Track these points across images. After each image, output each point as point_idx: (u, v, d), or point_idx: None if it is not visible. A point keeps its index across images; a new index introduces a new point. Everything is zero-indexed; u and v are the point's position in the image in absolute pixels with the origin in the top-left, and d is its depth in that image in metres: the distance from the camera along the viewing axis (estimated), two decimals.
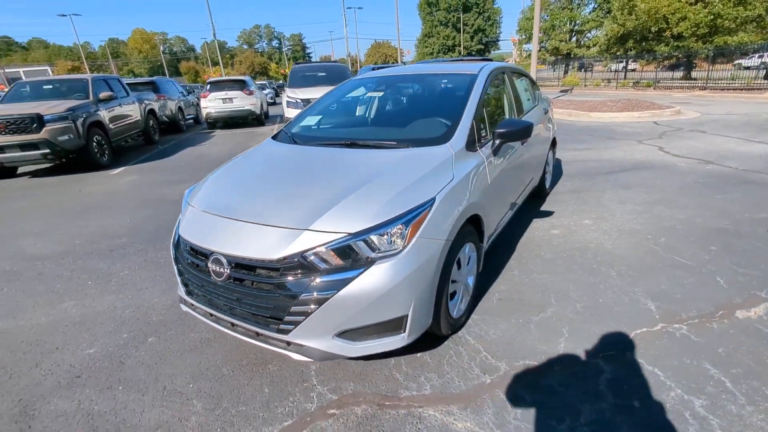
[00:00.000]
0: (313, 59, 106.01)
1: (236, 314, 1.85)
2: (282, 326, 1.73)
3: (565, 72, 28.80)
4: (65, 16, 48.17)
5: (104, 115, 8.62)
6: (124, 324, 2.58)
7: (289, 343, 1.77)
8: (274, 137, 2.87)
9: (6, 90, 9.10)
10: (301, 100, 9.02)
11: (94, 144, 8.07)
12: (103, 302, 2.86)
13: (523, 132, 2.47)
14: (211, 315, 1.96)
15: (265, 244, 1.73)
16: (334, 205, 1.80)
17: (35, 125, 7.20)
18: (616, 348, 2.07)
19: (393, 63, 48.09)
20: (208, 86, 13.84)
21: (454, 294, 2.17)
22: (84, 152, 7.77)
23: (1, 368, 2.23)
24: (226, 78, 14.17)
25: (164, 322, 2.56)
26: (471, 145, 2.35)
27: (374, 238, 1.70)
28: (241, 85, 13.76)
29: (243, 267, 1.77)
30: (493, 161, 2.50)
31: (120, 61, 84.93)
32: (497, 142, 2.50)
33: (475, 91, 2.63)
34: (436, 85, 3.02)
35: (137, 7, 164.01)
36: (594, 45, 28.43)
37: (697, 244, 3.15)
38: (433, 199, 1.86)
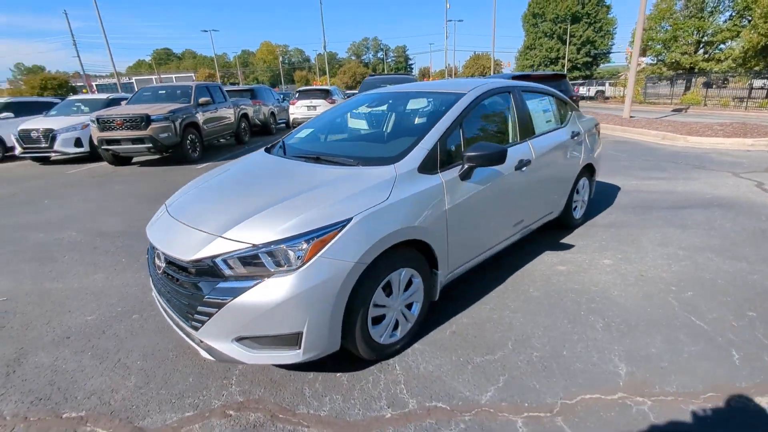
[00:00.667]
0: (413, 71, 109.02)
1: (170, 305, 2.05)
2: (193, 323, 1.87)
3: (687, 88, 25.16)
4: (206, 31, 56.17)
5: (200, 117, 9.94)
6: (124, 299, 2.99)
7: (201, 341, 1.90)
8: (268, 147, 3.07)
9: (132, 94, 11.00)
10: None
11: (188, 142, 9.36)
12: (123, 278, 3.35)
13: (493, 157, 2.30)
14: (160, 303, 2.20)
15: (186, 246, 1.89)
16: (252, 216, 1.89)
17: (144, 123, 8.62)
18: (549, 410, 1.81)
19: (488, 75, 46.85)
20: (297, 94, 15.11)
21: (382, 319, 2.11)
22: (178, 148, 9.06)
23: (26, 320, 2.75)
24: (313, 87, 15.29)
25: (153, 302, 2.90)
26: (428, 167, 2.26)
27: (276, 251, 1.76)
28: (325, 94, 14.75)
29: (171, 264, 1.96)
30: (460, 186, 2.37)
31: (248, 69, 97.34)
32: (466, 166, 2.36)
33: (452, 112, 2.52)
34: (422, 104, 2.95)
35: (267, 22, 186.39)
36: (726, 58, 24.30)
37: (732, 305, 2.57)
38: (348, 220, 1.85)
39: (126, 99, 11.30)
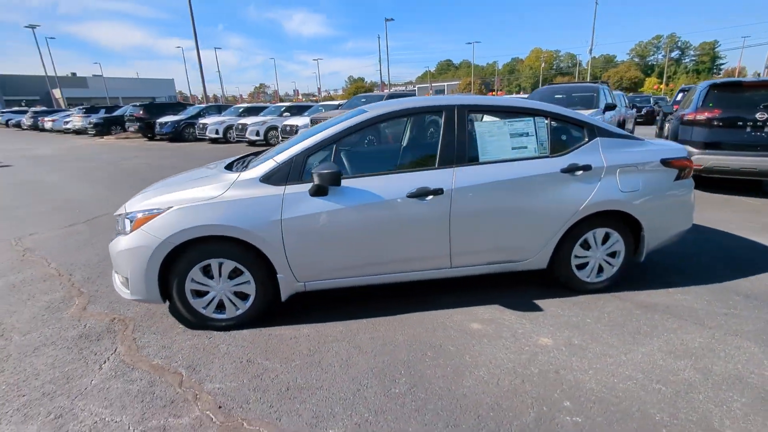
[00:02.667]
0: (719, 73, 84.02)
1: None
2: None
3: None
4: (470, 43, 60.88)
5: None
6: None
7: None
8: None
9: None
10: None
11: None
12: None
13: (325, 177, 2.33)
14: None
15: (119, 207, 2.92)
16: (140, 194, 2.72)
17: None
18: (255, 424, 1.87)
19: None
20: None
21: (204, 294, 2.55)
22: None
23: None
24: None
25: None
26: (276, 179, 2.50)
27: (128, 218, 2.54)
28: None
29: None
30: (307, 201, 2.47)
31: (513, 76, 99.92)
32: (316, 183, 2.43)
33: (331, 130, 2.61)
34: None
35: (544, 27, 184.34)
36: None
37: None
38: (168, 207, 2.42)
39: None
